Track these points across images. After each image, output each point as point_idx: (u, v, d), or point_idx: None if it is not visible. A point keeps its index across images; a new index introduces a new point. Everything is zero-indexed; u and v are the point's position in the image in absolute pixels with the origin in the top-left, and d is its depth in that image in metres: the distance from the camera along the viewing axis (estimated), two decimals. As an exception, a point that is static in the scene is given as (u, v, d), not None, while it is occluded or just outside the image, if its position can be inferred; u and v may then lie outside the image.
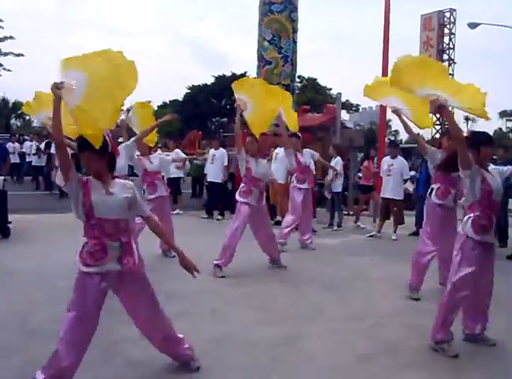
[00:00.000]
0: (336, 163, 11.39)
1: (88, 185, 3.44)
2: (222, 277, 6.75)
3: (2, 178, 9.55)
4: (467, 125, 60.35)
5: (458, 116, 53.32)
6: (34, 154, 18.03)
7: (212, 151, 12.72)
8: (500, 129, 63.79)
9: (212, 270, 6.84)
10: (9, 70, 43.14)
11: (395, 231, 10.27)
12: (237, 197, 7.07)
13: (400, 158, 10.48)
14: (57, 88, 3.24)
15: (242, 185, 7.12)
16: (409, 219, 10.77)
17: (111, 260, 3.44)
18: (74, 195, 3.43)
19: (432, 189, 6.01)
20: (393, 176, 10.16)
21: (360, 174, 13.52)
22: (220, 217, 12.40)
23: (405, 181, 10.66)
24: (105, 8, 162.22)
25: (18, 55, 42.41)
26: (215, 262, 6.87)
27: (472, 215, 4.45)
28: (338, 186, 11.37)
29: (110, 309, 4.34)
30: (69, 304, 3.45)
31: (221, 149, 12.66)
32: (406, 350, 4.52)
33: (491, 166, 4.65)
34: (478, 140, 4.48)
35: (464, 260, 4.41)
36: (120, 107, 3.59)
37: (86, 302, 3.43)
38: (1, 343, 4.40)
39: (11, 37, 41.82)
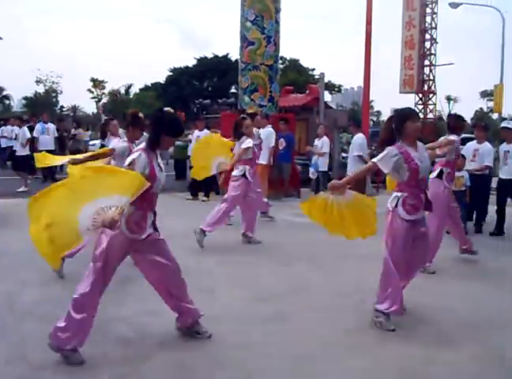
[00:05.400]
0: (323, 142, 11.44)
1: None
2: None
3: None
4: (449, 105, 60.78)
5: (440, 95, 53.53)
6: (15, 139, 17.70)
7: (196, 132, 12.68)
8: (481, 108, 64.14)
9: (199, 249, 7.07)
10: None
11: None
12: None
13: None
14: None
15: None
16: (385, 197, 10.78)
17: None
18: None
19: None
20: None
21: (344, 154, 13.57)
22: (205, 198, 12.38)
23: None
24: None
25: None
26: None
27: (400, 194, 4.67)
28: (324, 165, 11.42)
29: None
30: None
31: (205, 130, 12.60)
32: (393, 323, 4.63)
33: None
34: (403, 115, 4.57)
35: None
36: None
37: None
38: (-8, 324, 4.42)
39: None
